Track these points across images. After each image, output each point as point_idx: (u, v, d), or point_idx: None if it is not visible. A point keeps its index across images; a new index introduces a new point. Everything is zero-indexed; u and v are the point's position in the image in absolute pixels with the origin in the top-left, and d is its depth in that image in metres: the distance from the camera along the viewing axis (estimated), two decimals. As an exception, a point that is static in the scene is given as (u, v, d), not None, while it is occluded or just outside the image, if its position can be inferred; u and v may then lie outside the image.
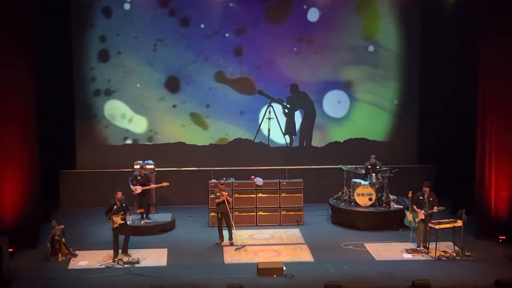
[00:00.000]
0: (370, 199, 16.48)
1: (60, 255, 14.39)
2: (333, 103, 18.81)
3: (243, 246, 15.20)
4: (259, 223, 16.74)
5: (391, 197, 16.77)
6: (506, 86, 15.07)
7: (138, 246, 14.91)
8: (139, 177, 16.30)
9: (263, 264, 13.69)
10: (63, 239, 14.54)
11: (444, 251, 14.56)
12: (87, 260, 14.32)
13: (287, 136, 18.96)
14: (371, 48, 18.56)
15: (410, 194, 14.92)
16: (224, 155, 18.68)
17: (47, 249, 14.42)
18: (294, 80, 18.64)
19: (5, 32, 14.46)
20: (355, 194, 16.54)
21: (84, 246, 15.07)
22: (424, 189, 14.79)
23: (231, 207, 15.79)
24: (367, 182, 16.61)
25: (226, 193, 15.37)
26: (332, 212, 17.07)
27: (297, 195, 16.83)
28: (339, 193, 17.31)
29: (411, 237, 15.04)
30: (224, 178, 16.58)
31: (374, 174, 16.67)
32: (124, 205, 14.45)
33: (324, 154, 18.85)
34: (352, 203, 16.67)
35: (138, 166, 16.68)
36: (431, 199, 14.73)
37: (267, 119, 18.72)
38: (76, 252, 14.64)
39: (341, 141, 18.93)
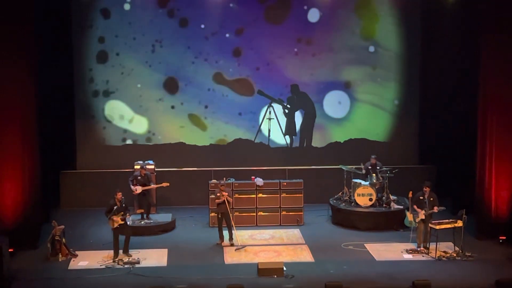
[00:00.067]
0: (371, 200, 16.48)
1: (60, 256, 14.38)
2: (334, 104, 18.81)
3: (244, 246, 15.19)
4: (260, 223, 16.73)
5: (392, 197, 16.76)
6: (506, 86, 15.07)
7: (138, 246, 14.90)
8: (139, 177, 16.30)
9: (264, 264, 13.69)
10: (64, 240, 14.54)
11: (444, 252, 14.56)
12: (87, 260, 14.31)
13: (287, 137, 18.96)
14: (371, 49, 18.57)
15: (410, 194, 14.91)
16: (224, 155, 18.68)
17: (47, 250, 14.42)
18: (294, 81, 18.64)
19: (5, 32, 14.46)
20: (356, 195, 16.54)
21: (84, 247, 15.06)
22: (424, 189, 14.79)
23: (231, 207, 15.79)
24: (367, 183, 16.61)
25: (227, 194, 15.36)
26: (332, 212, 17.06)
27: (298, 195, 16.82)
28: (340, 194, 17.30)
29: (411, 238, 15.03)
30: (224, 178, 16.57)
31: (374, 175, 16.67)
32: (124, 205, 14.45)
33: (325, 155, 18.85)
34: (353, 204, 16.66)
35: (138, 166, 16.67)
36: (431, 199, 14.72)
37: (267, 120, 18.71)
38: (77, 252, 14.64)
39: (342, 141, 18.93)
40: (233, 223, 15.49)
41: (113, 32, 18.10)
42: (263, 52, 18.47)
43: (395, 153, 18.57)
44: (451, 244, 14.71)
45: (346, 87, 18.73)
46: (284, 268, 13.55)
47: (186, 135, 18.69)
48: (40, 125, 15.68)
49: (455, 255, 14.41)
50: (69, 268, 13.99)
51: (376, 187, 16.60)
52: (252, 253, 14.85)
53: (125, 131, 18.55)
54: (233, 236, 15.34)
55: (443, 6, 17.52)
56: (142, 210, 15.90)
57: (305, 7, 18.35)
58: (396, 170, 16.83)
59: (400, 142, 18.89)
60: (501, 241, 15.18)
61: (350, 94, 18.76)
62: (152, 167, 17.18)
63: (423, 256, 14.50)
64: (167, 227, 16.36)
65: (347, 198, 16.97)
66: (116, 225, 14.31)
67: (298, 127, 18.91)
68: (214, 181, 16.73)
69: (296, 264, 14.09)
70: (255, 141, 18.84)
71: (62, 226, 14.74)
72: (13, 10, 14.46)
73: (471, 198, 15.92)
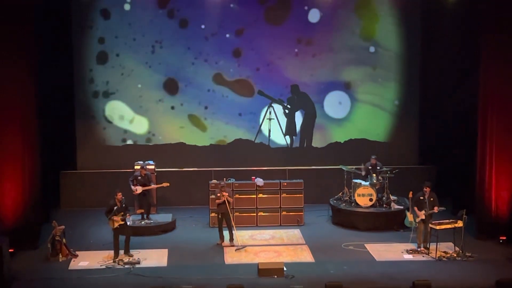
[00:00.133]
0: (371, 200, 16.48)
1: (60, 256, 14.38)
2: (334, 104, 18.80)
3: (244, 246, 15.19)
4: (260, 223, 16.73)
5: (392, 197, 16.76)
6: (506, 86, 15.07)
7: (138, 246, 14.91)
8: (139, 178, 16.30)
9: (264, 264, 13.68)
10: (64, 240, 14.54)
11: (444, 252, 14.56)
12: (87, 260, 14.31)
13: (287, 137, 18.96)
14: (371, 49, 18.57)
15: (410, 195, 14.91)
16: (224, 155, 18.68)
17: (47, 250, 14.42)
18: (295, 81, 18.63)
19: (5, 32, 14.46)
20: (356, 195, 16.53)
21: (84, 247, 15.07)
22: (424, 189, 14.78)
23: (231, 207, 15.78)
24: (367, 183, 16.61)
25: (227, 194, 15.36)
26: (332, 212, 17.06)
27: (298, 195, 16.82)
28: (340, 194, 17.31)
29: (412, 238, 15.03)
30: (224, 178, 16.58)
31: (374, 175, 16.67)
32: (124, 205, 14.44)
33: (325, 155, 18.84)
34: (353, 204, 16.66)
35: (138, 167, 16.67)
36: (431, 199, 14.72)
37: (268, 120, 18.71)
38: (77, 252, 14.64)
39: (342, 141, 18.93)
40: (233, 223, 15.50)
41: (113, 33, 18.09)
42: (263, 53, 18.47)
43: (395, 153, 18.58)
44: (451, 244, 14.71)
45: (346, 87, 18.73)
46: (285, 269, 13.54)
47: (186, 135, 18.69)
48: (40, 125, 15.69)
49: (455, 255, 14.41)
50: (69, 268, 13.99)
51: (376, 188, 16.60)
52: (253, 253, 14.85)
53: (126, 131, 18.55)
54: (234, 237, 15.34)
55: (443, 6, 17.52)
56: (142, 210, 15.88)
57: (306, 8, 18.35)
58: (396, 170, 16.83)
59: (400, 142, 18.89)
60: (501, 241, 15.17)
61: (350, 95, 18.76)
62: (152, 167, 17.19)
63: (423, 256, 14.50)
64: (168, 227, 16.36)
65: (347, 198, 16.97)
66: (116, 225, 14.31)
67: (298, 127, 18.91)
68: (214, 181, 16.73)
69: (297, 265, 14.08)
70: (255, 141, 18.83)
71: (62, 226, 14.74)
72: (13, 10, 14.46)
73: (471, 198, 15.92)
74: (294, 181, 17.05)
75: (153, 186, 16.58)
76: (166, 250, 14.95)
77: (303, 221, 16.81)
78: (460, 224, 14.42)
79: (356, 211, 16.44)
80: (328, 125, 18.91)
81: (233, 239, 15.32)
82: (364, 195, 16.51)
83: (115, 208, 14.27)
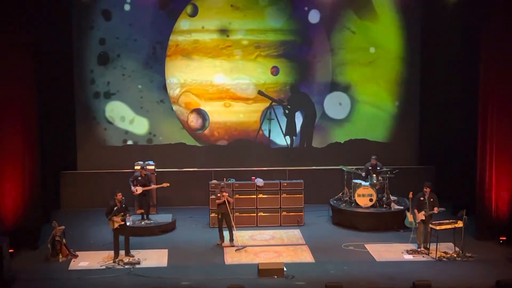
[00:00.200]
0: (371, 200, 16.48)
1: (60, 256, 14.39)
2: (334, 105, 18.79)
3: (244, 247, 15.19)
4: (260, 224, 16.73)
5: (392, 198, 16.76)
6: (506, 86, 15.07)
7: (138, 246, 14.91)
8: (139, 178, 16.30)
9: (264, 265, 13.69)
10: (64, 240, 14.55)
11: (444, 252, 14.55)
12: (87, 261, 14.32)
13: (287, 137, 18.95)
14: (372, 50, 18.56)
15: (410, 195, 14.90)
16: (224, 156, 18.68)
17: (47, 250, 14.43)
18: (295, 81, 18.62)
19: (5, 32, 14.46)
20: (356, 195, 16.53)
21: (84, 247, 15.07)
22: (425, 189, 14.78)
23: (231, 208, 15.79)
24: (367, 183, 16.61)
25: (227, 194, 15.36)
26: (332, 213, 17.06)
27: (298, 196, 16.82)
28: (340, 194, 17.31)
29: (412, 238, 15.03)
30: (224, 178, 16.58)
31: (374, 175, 16.66)
32: (124, 206, 14.45)
33: (325, 155, 18.83)
34: (353, 204, 16.66)
35: (138, 167, 16.67)
36: (431, 200, 14.71)
37: (268, 120, 18.72)
38: (77, 253, 14.65)
39: (342, 142, 18.92)
40: (233, 223, 15.50)
41: (114, 34, 18.09)
42: (264, 53, 18.53)
43: (395, 153, 18.56)
44: (451, 244, 14.71)
45: (346, 88, 18.73)
46: (285, 269, 13.55)
47: (187, 136, 18.69)
48: (41, 126, 15.70)
49: (455, 255, 14.41)
50: (69, 268, 13.99)
51: (377, 188, 16.60)
52: (253, 253, 14.85)
53: (126, 132, 18.56)
54: (234, 237, 15.34)
55: (443, 6, 17.51)
56: (142, 211, 15.88)
57: (306, 8, 18.35)
58: (396, 170, 16.83)
59: (400, 142, 18.88)
60: (501, 241, 15.17)
61: (350, 95, 18.75)
62: (152, 167, 17.19)
63: (423, 256, 14.50)
64: (168, 228, 16.36)
65: (347, 198, 16.96)
66: (116, 225, 14.31)
67: (298, 127, 18.91)
68: (214, 181, 16.73)
69: (297, 265, 14.09)
70: (256, 142, 18.83)
71: (63, 227, 14.75)
72: (13, 11, 14.46)
73: (471, 199, 15.92)
74: (294, 181, 17.05)
75: (153, 186, 16.59)
76: (166, 250, 14.96)
77: (303, 221, 16.80)
78: (460, 224, 14.42)
79: (356, 212, 16.44)
80: (328, 125, 18.90)
81: (233, 240, 15.33)
82: (364, 196, 16.51)
83: (115, 208, 14.28)
